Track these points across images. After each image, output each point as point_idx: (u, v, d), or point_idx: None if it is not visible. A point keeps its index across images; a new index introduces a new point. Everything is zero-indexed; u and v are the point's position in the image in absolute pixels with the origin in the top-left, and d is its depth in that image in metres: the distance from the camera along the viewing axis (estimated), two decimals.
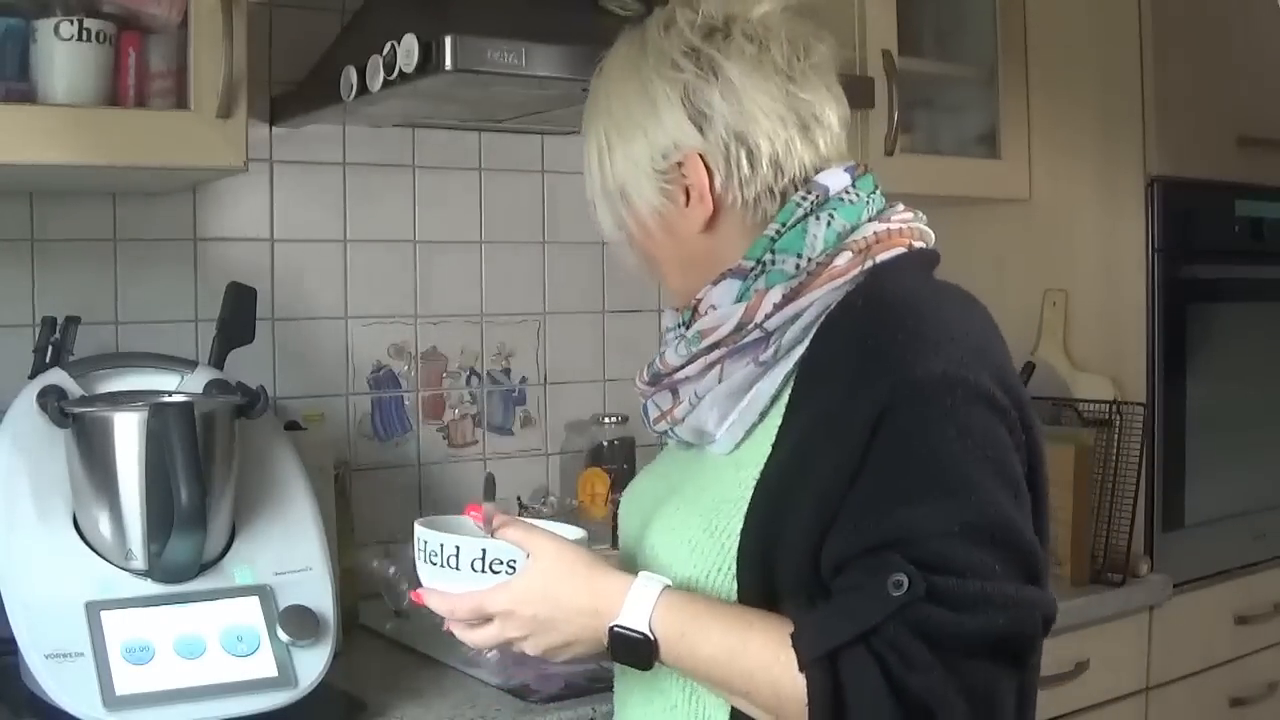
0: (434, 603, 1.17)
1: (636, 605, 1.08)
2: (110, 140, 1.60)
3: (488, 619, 1.14)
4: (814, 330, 1.14)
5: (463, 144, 2.22)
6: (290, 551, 1.63)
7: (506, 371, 2.28)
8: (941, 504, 1.00)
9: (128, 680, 1.48)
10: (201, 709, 1.48)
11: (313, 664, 1.55)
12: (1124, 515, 2.24)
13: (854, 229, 1.17)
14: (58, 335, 1.69)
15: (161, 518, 1.52)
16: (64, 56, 1.59)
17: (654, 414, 1.28)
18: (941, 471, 1.02)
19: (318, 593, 1.61)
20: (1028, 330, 2.45)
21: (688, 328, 1.22)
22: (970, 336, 1.10)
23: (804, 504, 1.07)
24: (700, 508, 1.18)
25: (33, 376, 1.64)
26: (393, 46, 1.65)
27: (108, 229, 1.94)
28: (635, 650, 1.09)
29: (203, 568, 1.58)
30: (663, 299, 2.37)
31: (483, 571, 1.13)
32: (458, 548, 1.14)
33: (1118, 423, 2.26)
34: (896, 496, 1.02)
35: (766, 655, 1.04)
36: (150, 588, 1.54)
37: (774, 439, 1.14)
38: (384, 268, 2.16)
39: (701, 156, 1.18)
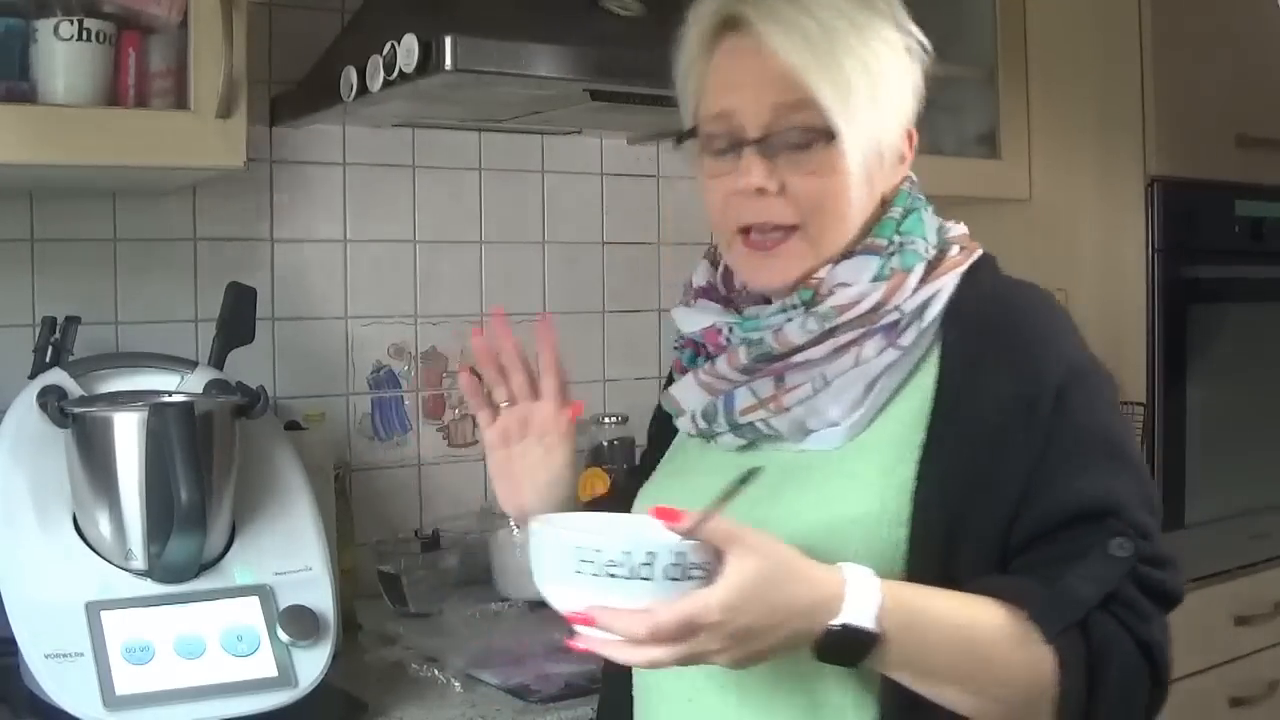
0: (626, 624, 0.93)
1: (861, 600, 0.98)
2: (110, 140, 1.59)
3: (691, 633, 0.94)
4: (940, 318, 1.15)
5: (463, 144, 2.21)
6: (290, 551, 1.63)
7: None
8: (1121, 474, 1.09)
9: (128, 680, 1.48)
10: (201, 709, 1.48)
11: (313, 664, 1.55)
12: None
13: (940, 224, 1.22)
14: (58, 335, 1.70)
15: (161, 518, 1.52)
16: (64, 56, 1.59)
17: (745, 403, 1.17)
18: (1113, 445, 1.11)
19: (318, 593, 1.61)
20: None
21: (808, 306, 1.15)
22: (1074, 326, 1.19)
23: (1000, 483, 1.08)
24: (843, 504, 1.10)
25: (33, 376, 1.65)
26: (393, 46, 1.65)
27: (108, 229, 1.94)
28: (851, 648, 0.98)
29: (203, 568, 1.58)
30: (664, 298, 2.39)
31: (680, 579, 0.94)
32: (652, 554, 0.93)
33: None
34: (1086, 469, 1.08)
35: (996, 632, 1.02)
36: (150, 588, 1.54)
37: (926, 424, 1.11)
38: (384, 268, 2.16)
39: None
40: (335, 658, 1.58)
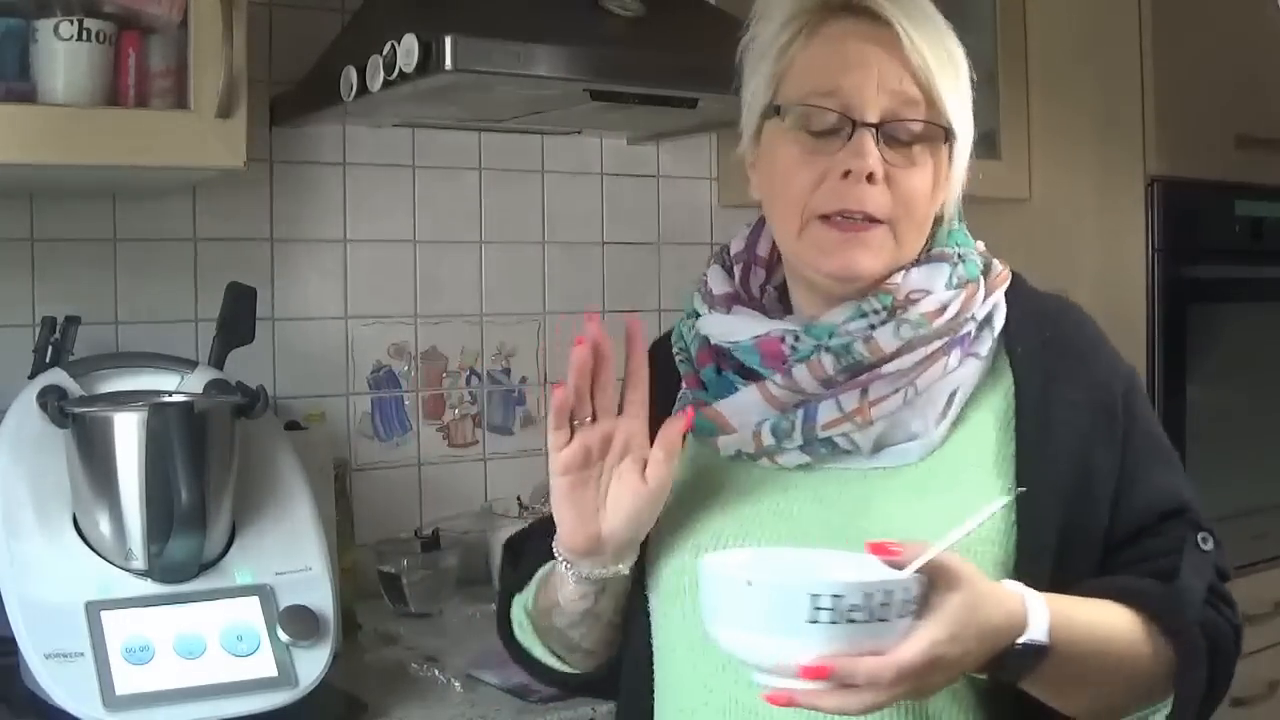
0: (871, 670, 0.88)
1: (1038, 614, 0.97)
2: (110, 140, 1.60)
3: (930, 671, 0.91)
4: (1001, 327, 1.16)
5: (463, 144, 2.22)
6: (290, 551, 1.63)
7: (506, 371, 2.28)
8: (1180, 472, 1.17)
9: (128, 680, 1.48)
10: (202, 709, 1.49)
11: (313, 664, 1.55)
12: None
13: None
14: (58, 335, 1.70)
15: (161, 518, 1.52)
16: (64, 56, 1.59)
17: (828, 416, 1.10)
18: (1168, 446, 1.18)
19: (318, 592, 1.61)
20: None
21: (890, 312, 1.12)
22: None
23: (1096, 490, 1.10)
24: (944, 518, 1.01)
25: (33, 376, 1.65)
26: (393, 46, 1.65)
27: (108, 229, 1.94)
28: (1025, 662, 0.97)
29: (203, 567, 1.58)
30: (664, 298, 2.39)
31: (907, 616, 0.90)
32: (889, 593, 0.88)
33: None
34: (1159, 469, 1.14)
35: (1131, 634, 1.05)
36: (150, 588, 1.55)
37: (1012, 435, 1.11)
38: (384, 268, 2.16)
39: None
40: (335, 658, 1.59)
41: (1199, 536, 1.12)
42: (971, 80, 1.15)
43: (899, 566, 0.91)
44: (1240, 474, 2.47)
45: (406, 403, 2.19)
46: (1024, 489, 1.03)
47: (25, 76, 1.60)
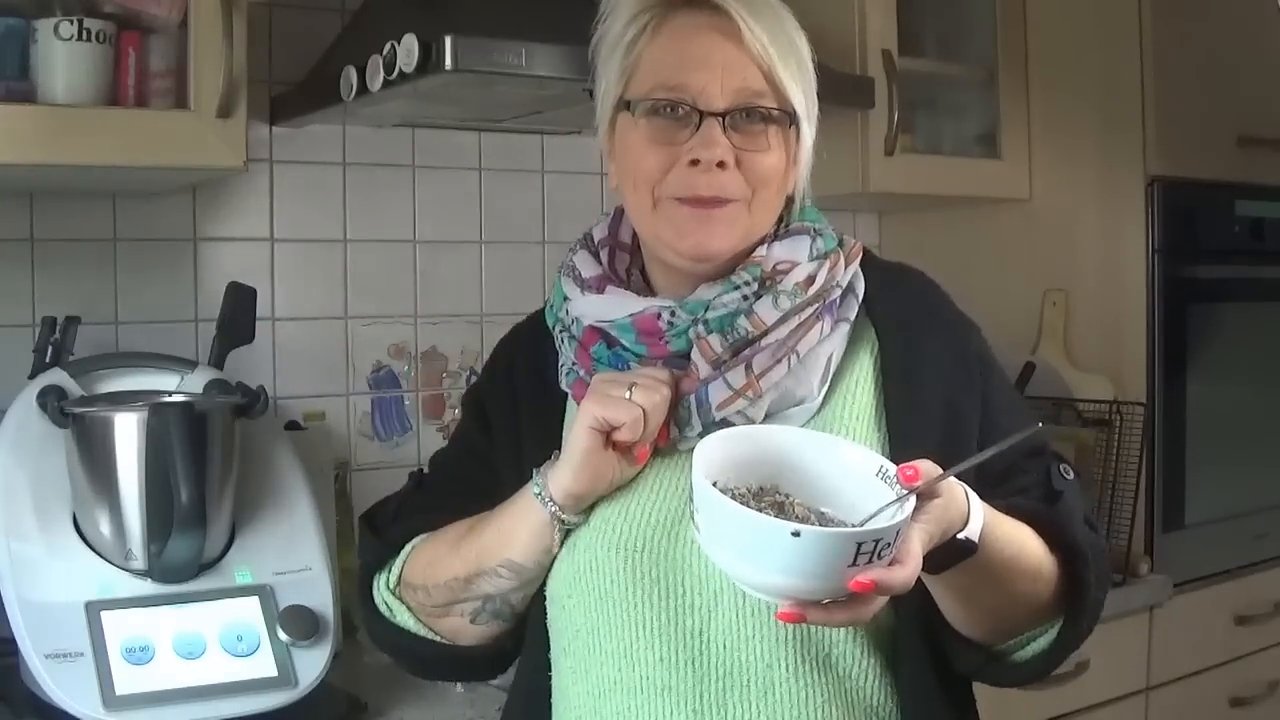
0: (903, 579, 0.97)
1: (976, 517, 1.05)
2: (110, 140, 1.60)
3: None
4: (861, 293, 1.22)
5: (463, 144, 2.22)
6: (290, 551, 1.64)
7: None
8: (1032, 418, 1.23)
9: (128, 680, 1.49)
10: (201, 709, 1.50)
11: (313, 664, 1.56)
12: (1124, 515, 2.26)
13: None
14: (58, 335, 1.70)
15: (161, 518, 1.53)
16: (64, 56, 1.60)
17: (721, 396, 1.14)
18: (1019, 396, 1.31)
19: (318, 592, 1.62)
20: (1028, 330, 2.45)
21: (761, 285, 1.16)
22: None
23: (962, 438, 1.17)
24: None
25: (33, 376, 1.66)
26: (393, 46, 1.65)
27: (108, 229, 1.94)
28: (958, 557, 1.05)
29: (202, 568, 1.59)
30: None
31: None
32: (904, 521, 0.97)
33: (1118, 423, 2.27)
34: (1015, 412, 1.24)
35: (1036, 550, 1.13)
36: (150, 588, 1.55)
37: (879, 393, 1.19)
38: (384, 268, 2.17)
39: None
40: (335, 657, 1.60)
41: (1061, 468, 1.22)
42: (813, 61, 1.21)
43: (913, 488, 0.99)
44: (1240, 474, 2.48)
45: (406, 403, 2.19)
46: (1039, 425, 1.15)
47: (25, 76, 1.60)
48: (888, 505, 0.99)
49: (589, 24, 1.24)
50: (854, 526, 0.98)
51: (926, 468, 1.00)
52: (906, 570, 0.96)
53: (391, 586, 1.30)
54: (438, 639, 1.28)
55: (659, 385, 1.14)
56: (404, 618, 1.29)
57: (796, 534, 0.93)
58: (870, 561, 0.94)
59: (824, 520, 1.02)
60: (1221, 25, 2.42)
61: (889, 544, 0.95)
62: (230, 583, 1.59)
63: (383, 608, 1.31)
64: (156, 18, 1.66)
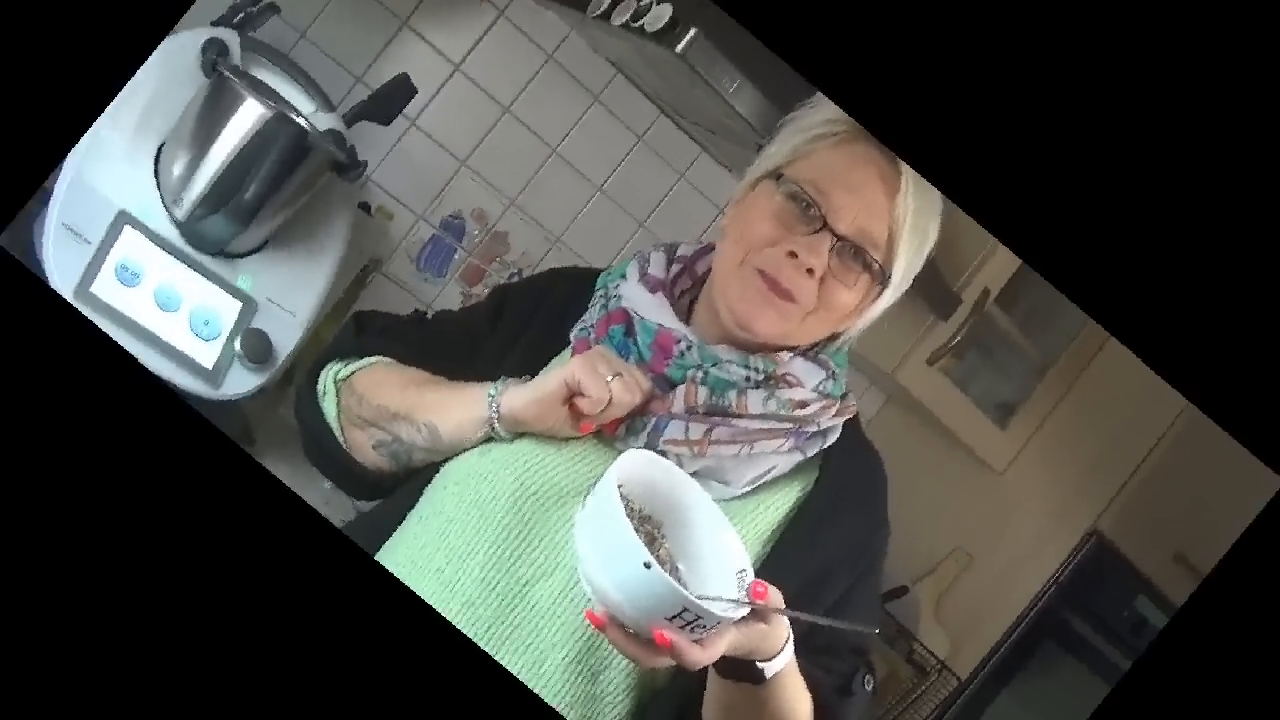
0: (695, 657, 1.08)
1: (781, 660, 1.16)
2: None
3: None
4: (829, 444, 1.31)
5: (641, 111, 2.28)
6: (291, 291, 1.76)
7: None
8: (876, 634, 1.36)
9: (106, 288, 1.61)
10: (138, 346, 1.62)
11: (241, 382, 1.69)
12: None
13: None
14: (255, 8, 1.80)
15: (222, 194, 1.66)
16: None
17: (674, 434, 1.24)
18: (881, 608, 1.34)
19: (287, 335, 1.74)
20: (925, 561, 2.51)
21: (764, 377, 1.26)
22: None
23: (827, 595, 1.27)
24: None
25: (215, 23, 1.76)
26: (651, 4, 1.67)
27: None
28: (749, 676, 1.16)
29: (222, 252, 1.71)
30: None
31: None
32: (730, 618, 1.09)
33: (932, 679, 2.35)
34: (868, 611, 1.34)
35: (806, 717, 1.25)
36: (174, 236, 1.68)
37: (781, 526, 1.28)
38: (516, 151, 2.23)
39: None
40: (260, 391, 1.71)
41: (867, 677, 1.31)
42: (931, 253, 1.31)
43: (752, 603, 1.10)
44: None
45: (456, 257, 2.26)
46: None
47: None
48: (727, 600, 1.10)
49: (795, 100, 1.35)
50: (691, 595, 1.05)
51: (774, 595, 1.11)
52: (704, 653, 1.06)
53: (337, 378, 1.37)
54: (340, 441, 1.36)
55: (636, 390, 1.23)
56: (329, 406, 1.36)
57: (648, 565, 1.04)
58: (683, 628, 1.05)
59: (675, 574, 1.11)
60: None
61: (705, 626, 1.05)
62: (232, 279, 1.71)
63: (320, 387, 1.38)
64: None
